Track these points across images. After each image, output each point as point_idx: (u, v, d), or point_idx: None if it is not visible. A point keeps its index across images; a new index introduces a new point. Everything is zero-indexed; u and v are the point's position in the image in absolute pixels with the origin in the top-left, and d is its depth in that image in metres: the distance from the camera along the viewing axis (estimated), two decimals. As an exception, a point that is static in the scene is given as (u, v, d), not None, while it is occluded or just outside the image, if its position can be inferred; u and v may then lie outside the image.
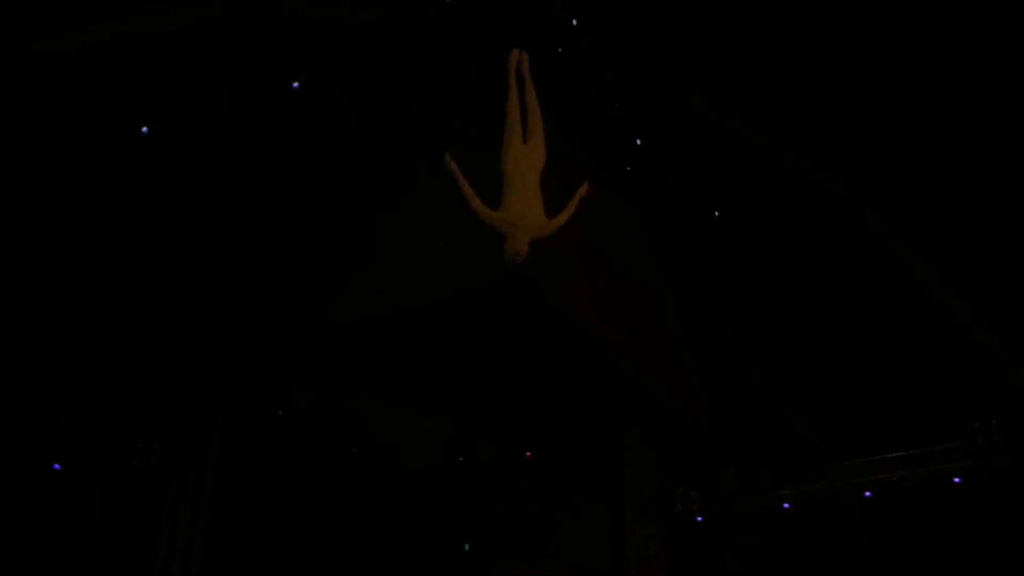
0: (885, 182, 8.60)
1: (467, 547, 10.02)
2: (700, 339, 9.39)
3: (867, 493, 9.44)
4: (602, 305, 8.38)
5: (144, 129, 7.39)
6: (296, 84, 7.56)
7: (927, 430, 9.35)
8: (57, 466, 8.26)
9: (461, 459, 10.02)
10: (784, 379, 9.55)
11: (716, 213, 9.06)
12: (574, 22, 7.56)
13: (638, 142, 8.44)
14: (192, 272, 8.00)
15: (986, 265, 8.69)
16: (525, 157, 5.85)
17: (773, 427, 9.73)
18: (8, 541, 7.79)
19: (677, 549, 9.79)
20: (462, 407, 9.49)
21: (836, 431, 9.73)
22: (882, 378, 9.46)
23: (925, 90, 7.88)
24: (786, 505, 9.70)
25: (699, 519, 9.81)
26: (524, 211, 5.65)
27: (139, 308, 8.01)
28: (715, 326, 9.37)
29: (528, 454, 10.23)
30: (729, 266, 9.19)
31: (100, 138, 7.16)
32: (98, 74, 6.76)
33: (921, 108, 7.93)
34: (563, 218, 5.79)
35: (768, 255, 9.10)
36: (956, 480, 9.13)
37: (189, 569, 8.23)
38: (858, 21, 7.75)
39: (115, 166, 7.30)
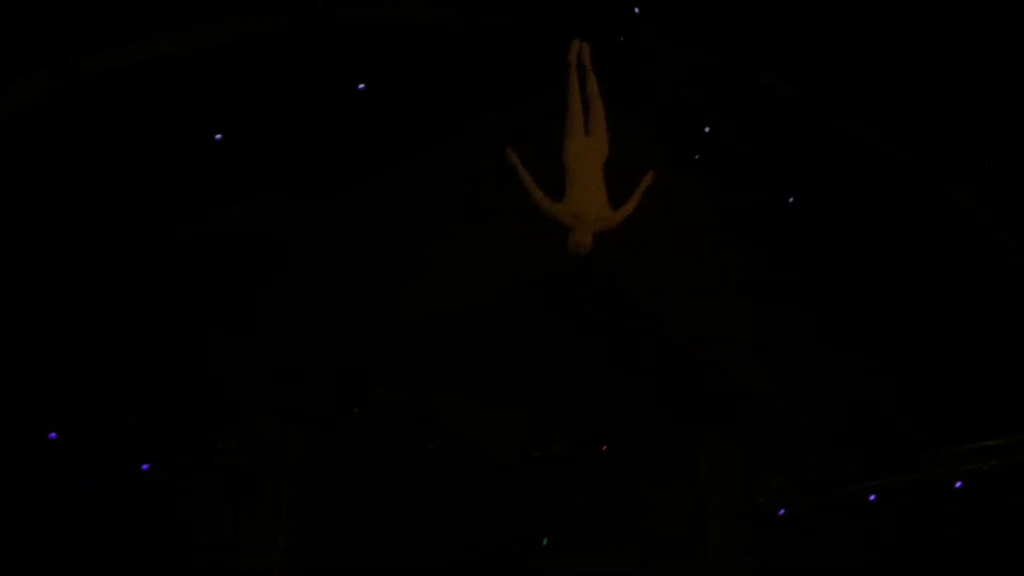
0: (974, 158, 8.26)
1: (545, 541, 10.05)
2: (778, 325, 9.20)
3: (958, 483, 9.18)
4: (677, 293, 8.31)
5: (218, 136, 7.58)
6: (361, 86, 7.64)
7: (1019, 417, 9.02)
8: (146, 467, 8.56)
9: (537, 454, 10.07)
10: (869, 365, 9.28)
11: (791, 199, 8.87)
12: (636, 10, 7.48)
13: (707, 129, 8.32)
14: (268, 276, 8.17)
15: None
16: (588, 149, 5.85)
17: (857, 415, 9.49)
18: (98, 541, 8.06)
19: (760, 542, 9.64)
20: (536, 399, 9.53)
21: (924, 418, 9.43)
22: (972, 362, 9.13)
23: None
24: (872, 496, 9.49)
25: (781, 511, 9.69)
26: (587, 203, 5.65)
27: (218, 312, 8.22)
28: (794, 312, 9.16)
29: (604, 447, 10.21)
30: (808, 251, 8.96)
31: (172, 150, 7.34)
32: (156, 88, 6.91)
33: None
34: (628, 209, 5.79)
35: (849, 238, 8.83)
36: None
37: (271, 567, 8.45)
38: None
39: (188, 178, 7.48)
